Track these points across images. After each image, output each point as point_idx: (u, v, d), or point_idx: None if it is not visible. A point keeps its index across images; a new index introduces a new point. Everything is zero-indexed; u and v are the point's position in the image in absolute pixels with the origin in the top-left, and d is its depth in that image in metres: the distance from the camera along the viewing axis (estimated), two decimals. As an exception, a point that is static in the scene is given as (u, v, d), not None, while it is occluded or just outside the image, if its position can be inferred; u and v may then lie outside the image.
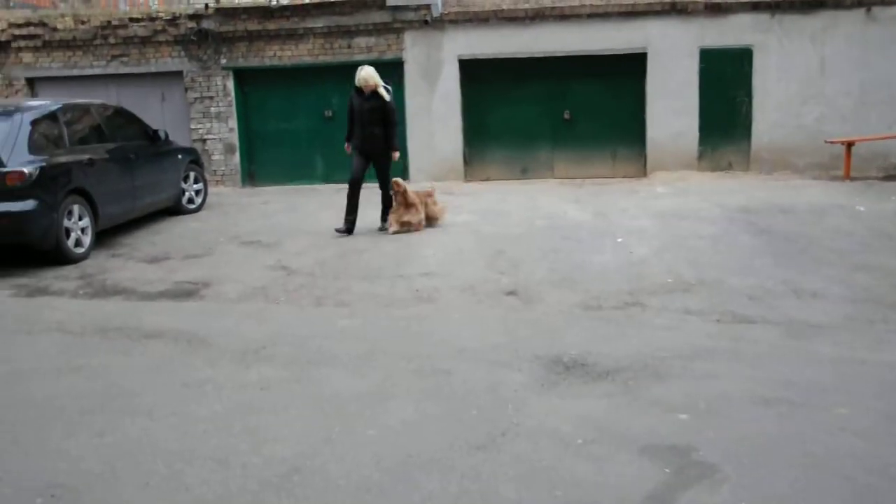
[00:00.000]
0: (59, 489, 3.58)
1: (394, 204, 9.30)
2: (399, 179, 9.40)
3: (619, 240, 8.33)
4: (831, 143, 12.28)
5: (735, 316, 5.90)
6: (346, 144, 9.51)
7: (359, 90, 9.13)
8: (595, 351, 5.17)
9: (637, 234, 8.57)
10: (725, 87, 12.93)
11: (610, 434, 4.00)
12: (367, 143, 9.19)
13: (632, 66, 12.96)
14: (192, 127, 13.99)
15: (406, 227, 9.20)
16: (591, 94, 13.33)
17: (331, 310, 6.40)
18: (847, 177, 12.05)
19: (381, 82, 9.10)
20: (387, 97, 9.08)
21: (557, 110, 13.39)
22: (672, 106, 12.98)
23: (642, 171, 13.23)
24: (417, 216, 9.27)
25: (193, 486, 3.59)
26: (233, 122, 13.87)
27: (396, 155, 9.48)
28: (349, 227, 9.26)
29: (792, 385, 4.59)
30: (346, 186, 9.44)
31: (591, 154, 13.42)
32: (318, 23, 13.31)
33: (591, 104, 13.32)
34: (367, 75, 9.05)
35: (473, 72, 13.32)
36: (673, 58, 12.88)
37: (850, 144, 12.06)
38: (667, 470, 3.61)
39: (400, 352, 5.31)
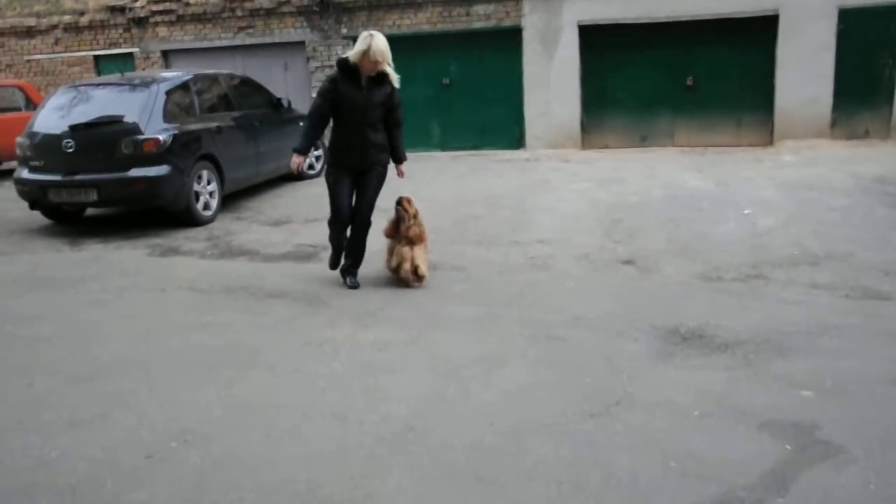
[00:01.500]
0: (190, 435, 3.79)
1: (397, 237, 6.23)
2: (409, 197, 6.38)
3: (746, 212, 8.02)
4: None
5: (867, 291, 5.60)
6: (296, 158, 6.05)
7: (349, 73, 5.79)
8: (714, 323, 5.02)
9: (761, 205, 8.23)
10: (866, 49, 12.16)
11: (728, 407, 3.89)
12: (362, 156, 5.97)
13: (761, 30, 12.37)
14: (313, 95, 14.32)
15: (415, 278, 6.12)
16: (715, 59, 12.81)
17: (447, 274, 6.46)
18: None
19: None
20: (396, 83, 5.97)
21: (680, 76, 12.96)
22: (804, 70, 12.31)
23: (769, 140, 12.66)
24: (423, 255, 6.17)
25: (311, 439, 3.73)
26: (352, 90, 14.12)
27: (404, 171, 6.51)
28: (354, 277, 6.29)
29: (929, 365, 4.33)
30: (461, 153, 9.27)
31: (714, 122, 12.94)
32: (437, -10, 13.32)
33: (716, 70, 12.81)
34: (384, 47, 5.69)
35: (593, 38, 13.04)
36: (808, 19, 12.19)
37: None
38: (788, 447, 3.48)
39: (514, 317, 5.32)
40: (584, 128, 13.37)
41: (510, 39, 13.36)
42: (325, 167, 6.21)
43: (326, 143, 7.04)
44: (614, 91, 13.28)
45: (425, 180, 10.80)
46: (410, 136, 13.84)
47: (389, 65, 5.85)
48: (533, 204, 8.91)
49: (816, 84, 12.31)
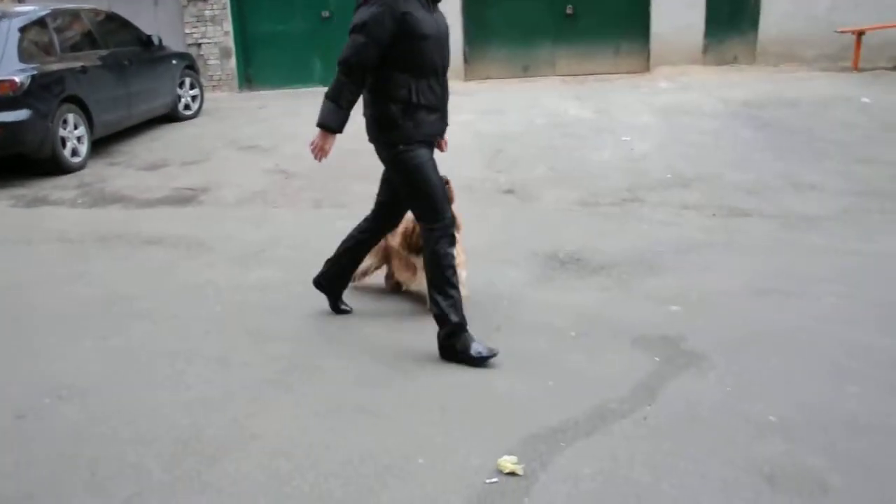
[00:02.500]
0: (66, 390, 3.67)
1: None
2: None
3: (624, 138, 8.24)
4: (842, 32, 11.94)
5: (732, 210, 5.90)
6: (327, 140, 3.92)
7: None
8: (591, 247, 5.20)
9: (638, 131, 8.47)
10: (733, -25, 12.53)
11: (603, 326, 4.07)
12: (444, 118, 4.04)
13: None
14: (187, 31, 13.70)
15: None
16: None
17: (330, 211, 6.42)
18: (856, 68, 11.77)
19: None
20: None
21: (560, 5, 13.02)
22: (678, -2, 12.59)
23: (646, 67, 12.96)
24: None
25: (194, 385, 3.68)
26: (228, 26, 13.58)
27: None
28: None
29: (785, 276, 4.63)
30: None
31: (593, 50, 13.12)
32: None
33: (590, -4, 12.96)
34: None
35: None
36: (679, -54, 12.42)
37: (860, 33, 11.71)
38: (657, 359, 3.68)
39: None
40: (467, 59, 13.33)
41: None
42: (398, 147, 3.79)
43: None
44: (496, 21, 13.24)
45: (308, 117, 10.53)
46: (290, 71, 13.55)
47: None
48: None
49: (689, 12, 12.61)
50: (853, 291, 4.39)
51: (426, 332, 3.98)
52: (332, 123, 3.75)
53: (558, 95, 11.02)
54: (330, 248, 5.43)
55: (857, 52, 11.79)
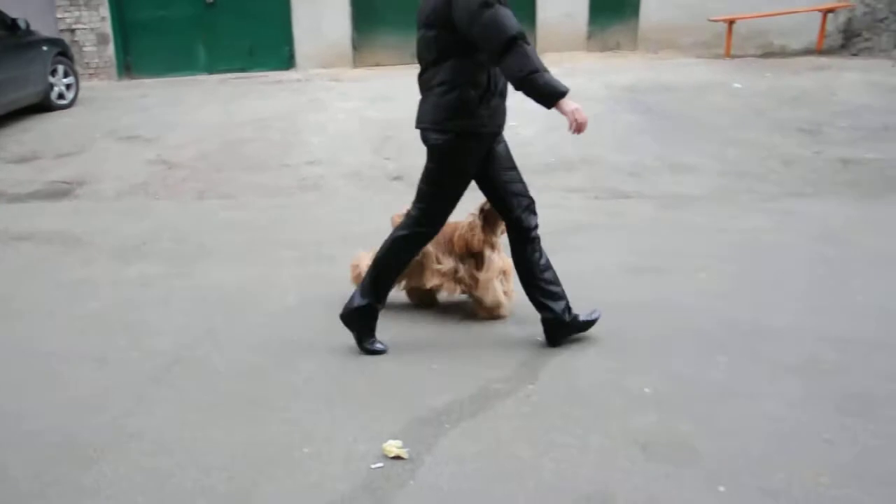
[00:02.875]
0: (-73, 395, 3.48)
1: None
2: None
3: (512, 123, 8.32)
4: (714, 21, 12.47)
5: (613, 192, 6.09)
6: (578, 108, 3.45)
7: None
8: (477, 231, 5.26)
9: (524, 115, 8.55)
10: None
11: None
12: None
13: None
14: (59, 16, 13.05)
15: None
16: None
17: (214, 202, 6.28)
18: (728, 55, 12.33)
19: None
20: None
21: (446, -8, 13.07)
22: (562, -15, 12.86)
23: (533, 53, 13.19)
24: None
25: (71, 384, 3.54)
26: (104, 11, 13.01)
27: None
28: None
29: (660, 254, 4.83)
30: (228, 76, 8.89)
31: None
32: None
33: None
34: None
35: (359, -50, 12.79)
36: (561, -65, 12.68)
37: (731, 22, 12.28)
38: (539, 339, 3.77)
39: (284, 241, 5.29)
40: (356, 46, 13.23)
41: (272, -48, 12.83)
42: (466, 135, 3.57)
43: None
44: (385, 7, 13.18)
45: (192, 105, 10.28)
46: (174, 58, 13.12)
47: None
48: (304, 125, 8.76)
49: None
50: (723, 267, 4.62)
51: (311, 322, 3.95)
52: (563, 87, 3.31)
53: (447, 82, 11.05)
54: (214, 240, 5.33)
55: (728, 40, 12.35)
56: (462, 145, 3.54)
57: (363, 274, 3.81)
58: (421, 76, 3.69)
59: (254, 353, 3.76)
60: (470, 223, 4.02)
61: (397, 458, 2.88)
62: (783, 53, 12.73)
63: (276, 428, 3.10)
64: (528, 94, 3.28)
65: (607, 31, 13.13)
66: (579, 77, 10.87)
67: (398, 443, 2.95)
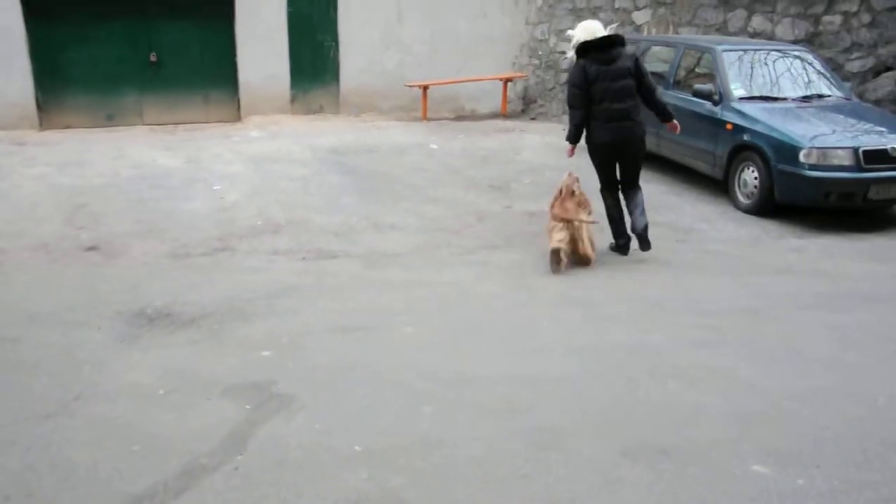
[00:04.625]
0: None
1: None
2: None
3: (215, 187, 8.18)
4: (410, 86, 13.26)
5: (320, 252, 6.18)
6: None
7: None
8: (181, 300, 5.08)
9: (230, 179, 8.49)
10: (314, 31, 13.22)
11: (193, 381, 3.98)
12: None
13: (221, 6, 12.63)
14: None
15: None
16: (179, 33, 12.70)
17: None
18: (424, 118, 13.16)
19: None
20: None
21: (143, 51, 12.58)
22: (263, 49, 12.92)
23: (237, 116, 13.08)
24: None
25: None
26: None
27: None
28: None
29: (367, 312, 4.97)
30: None
31: (182, 98, 12.89)
32: None
33: (180, 45, 12.73)
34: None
35: (39, 3, 11.90)
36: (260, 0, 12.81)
37: (425, 88, 13.14)
38: (248, 407, 3.71)
39: (-45, 325, 4.70)
40: (41, 106, 12.23)
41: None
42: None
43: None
44: (73, 65, 12.33)
45: None
46: None
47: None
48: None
49: (274, 62, 13.03)
50: (425, 320, 4.86)
51: (-11, 412, 3.55)
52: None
53: (147, 145, 10.62)
54: None
55: (424, 104, 13.20)
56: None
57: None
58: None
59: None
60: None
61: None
62: (473, 116, 13.85)
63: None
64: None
65: (310, 94, 13.43)
66: (284, 139, 11.00)
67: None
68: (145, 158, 9.69)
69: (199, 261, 5.95)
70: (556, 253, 5.72)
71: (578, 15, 13.29)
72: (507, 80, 13.85)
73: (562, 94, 13.62)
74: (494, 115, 13.87)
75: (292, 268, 5.81)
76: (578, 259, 5.91)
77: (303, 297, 5.18)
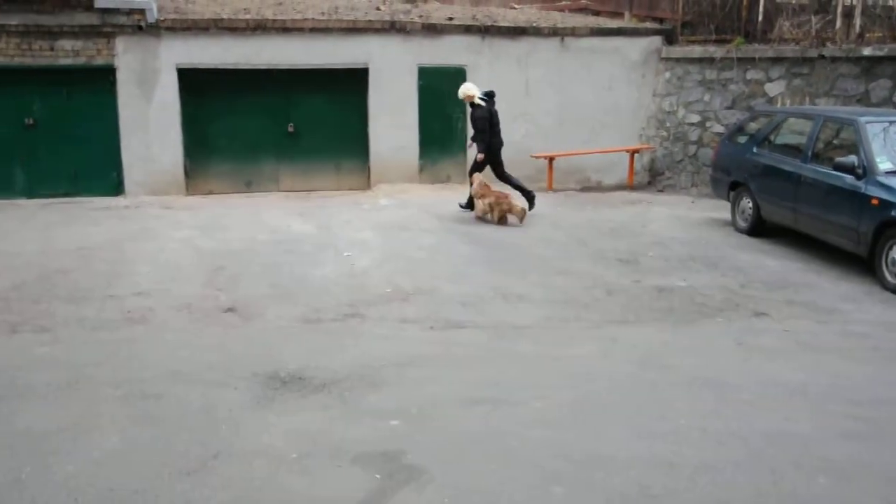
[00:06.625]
0: None
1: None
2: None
3: (346, 254, 8.43)
4: (536, 157, 13.36)
5: (448, 322, 6.21)
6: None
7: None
8: (313, 364, 5.19)
9: (359, 246, 8.73)
10: (443, 103, 13.58)
11: (324, 446, 4.04)
12: None
13: (355, 81, 13.21)
14: None
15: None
16: (315, 107, 13.37)
17: (28, 336, 5.83)
18: (550, 188, 13.19)
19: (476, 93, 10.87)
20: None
21: (282, 123, 13.28)
22: (394, 120, 13.39)
23: (366, 184, 13.51)
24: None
25: None
26: None
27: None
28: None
29: (496, 384, 4.93)
30: (51, 201, 8.55)
31: (316, 167, 13.46)
32: (12, 20, 12.09)
33: (316, 117, 13.37)
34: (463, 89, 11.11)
35: (193, 81, 12.81)
36: (394, 74, 13.30)
37: (551, 159, 13.21)
38: (377, 476, 3.72)
39: (106, 378, 4.97)
40: (188, 173, 13.05)
41: (103, 79, 12.58)
42: None
43: None
44: (218, 136, 13.16)
45: (6, 231, 9.67)
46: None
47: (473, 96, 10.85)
48: (132, 254, 8.43)
49: (404, 133, 13.45)
50: (554, 395, 4.77)
51: (135, 468, 3.68)
52: None
53: (282, 211, 11.10)
54: (26, 378, 4.94)
55: (550, 175, 13.24)
56: None
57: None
58: None
59: (68, 505, 3.45)
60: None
61: None
62: (599, 188, 13.77)
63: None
64: None
65: (438, 164, 13.73)
66: (412, 208, 11.26)
67: None
68: (280, 224, 10.12)
69: (330, 326, 6.10)
70: (491, 212, 10.39)
71: (709, 87, 13.13)
72: (633, 152, 13.75)
73: (691, 167, 13.40)
74: (621, 187, 13.75)
75: (421, 337, 5.86)
76: (504, 213, 10.26)
77: (431, 367, 5.20)
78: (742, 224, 9.87)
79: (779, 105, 11.87)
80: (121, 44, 12.52)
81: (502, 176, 11.06)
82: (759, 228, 9.56)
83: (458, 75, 13.52)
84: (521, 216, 10.32)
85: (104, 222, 10.30)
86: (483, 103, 10.72)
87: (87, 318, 6.25)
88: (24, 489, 3.59)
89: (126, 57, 12.57)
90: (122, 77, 12.61)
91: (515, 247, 8.90)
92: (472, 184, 10.78)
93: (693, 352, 5.65)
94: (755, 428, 4.35)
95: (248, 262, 8.07)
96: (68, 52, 12.42)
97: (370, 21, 13.20)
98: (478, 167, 10.85)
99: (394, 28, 13.26)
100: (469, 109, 11.06)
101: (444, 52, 13.47)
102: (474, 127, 10.73)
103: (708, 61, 13.09)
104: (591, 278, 7.55)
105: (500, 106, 13.53)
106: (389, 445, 4.03)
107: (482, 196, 10.50)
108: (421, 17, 13.86)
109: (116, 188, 12.83)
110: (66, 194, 12.58)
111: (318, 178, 13.47)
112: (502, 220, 10.24)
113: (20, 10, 12.12)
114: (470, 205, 10.95)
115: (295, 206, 11.54)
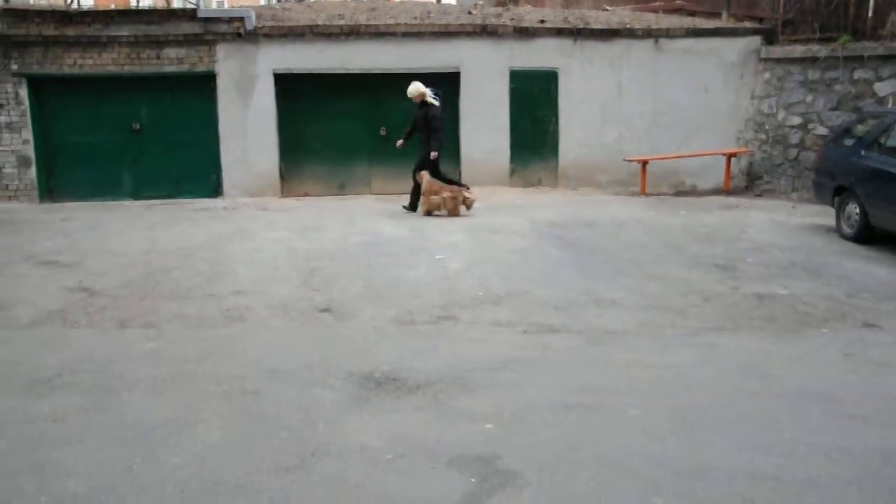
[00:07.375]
0: None
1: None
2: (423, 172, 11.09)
3: (438, 256, 8.48)
4: (629, 161, 13.16)
5: (541, 326, 6.16)
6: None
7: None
8: (407, 365, 5.23)
9: (451, 249, 8.77)
10: (534, 106, 13.54)
11: (419, 447, 4.05)
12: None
13: (446, 85, 13.29)
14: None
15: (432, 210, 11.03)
16: (407, 110, 13.49)
17: (136, 332, 6.07)
18: (643, 192, 12.96)
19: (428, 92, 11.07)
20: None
21: (374, 126, 13.48)
22: (485, 123, 13.42)
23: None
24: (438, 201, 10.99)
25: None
26: (27, 134, 12.88)
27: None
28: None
29: (590, 390, 4.86)
30: (155, 202, 8.93)
31: (407, 170, 13.49)
32: (123, 31, 12.67)
33: (408, 120, 13.50)
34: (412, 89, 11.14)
35: (289, 86, 13.16)
36: (485, 77, 13.34)
37: (645, 163, 12.99)
38: (473, 479, 3.71)
39: (208, 374, 5.13)
40: (284, 176, 13.39)
41: (204, 85, 13.06)
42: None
43: None
44: (313, 139, 13.47)
45: (115, 231, 10.13)
46: (98, 183, 12.98)
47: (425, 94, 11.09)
48: (230, 254, 8.70)
49: (495, 136, 13.47)
50: (651, 403, 4.67)
51: (236, 462, 3.77)
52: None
53: (373, 213, 11.25)
54: (134, 372, 5.14)
55: (643, 179, 13.01)
56: None
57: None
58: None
59: (175, 496, 3.56)
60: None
61: None
62: (694, 192, 13.46)
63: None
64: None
65: (529, 167, 13.68)
66: (503, 211, 11.23)
67: None
68: (373, 226, 10.26)
69: (424, 328, 6.13)
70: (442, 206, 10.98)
71: (811, 87, 12.65)
72: (730, 156, 13.37)
73: (791, 171, 12.93)
74: (716, 192, 13.40)
75: (513, 340, 5.83)
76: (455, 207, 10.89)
77: (525, 371, 5.17)
78: (847, 230, 9.47)
79: (890, 105, 11.34)
80: (221, 51, 12.96)
81: (437, 175, 11.33)
82: (867, 235, 9.15)
83: (550, 78, 13.47)
84: (471, 205, 11.11)
85: (204, 223, 10.66)
86: (436, 102, 10.99)
87: (189, 315, 6.47)
88: (136, 479, 3.73)
89: (226, 63, 12.99)
90: (221, 83, 13.05)
91: (607, 251, 8.77)
92: (417, 182, 11.11)
93: (796, 362, 5.44)
94: (868, 445, 4.15)
95: (342, 263, 8.21)
96: (173, 60, 12.93)
97: (462, 25, 13.27)
98: (426, 165, 11.05)
99: (485, 31, 13.30)
100: (419, 109, 11.17)
101: (535, 54, 13.43)
102: (431, 126, 10.92)
103: (811, 61, 12.63)
104: (686, 284, 7.37)
105: (592, 108, 13.41)
106: (484, 449, 4.02)
107: (436, 192, 10.91)
108: (512, 20, 13.85)
109: (215, 190, 13.28)
110: (169, 196, 13.11)
111: (409, 181, 13.57)
112: (454, 213, 10.92)
113: (130, 22, 12.70)
114: (413, 206, 11.28)
115: (387, 209, 11.67)
